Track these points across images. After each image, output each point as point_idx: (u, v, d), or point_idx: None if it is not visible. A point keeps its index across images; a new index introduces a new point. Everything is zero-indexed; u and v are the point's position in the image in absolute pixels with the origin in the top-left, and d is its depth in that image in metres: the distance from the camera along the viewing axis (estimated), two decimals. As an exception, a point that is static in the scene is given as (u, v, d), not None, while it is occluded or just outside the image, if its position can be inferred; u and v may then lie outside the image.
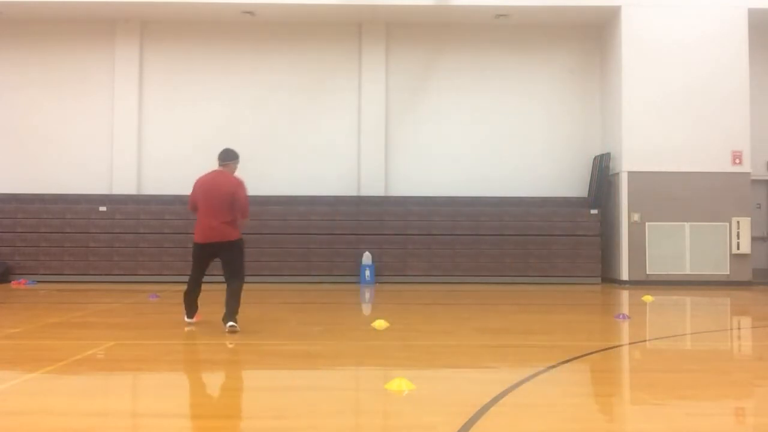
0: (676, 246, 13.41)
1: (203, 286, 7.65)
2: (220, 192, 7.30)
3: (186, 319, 7.76)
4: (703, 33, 13.47)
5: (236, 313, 7.27)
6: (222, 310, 7.24)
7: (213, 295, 11.07)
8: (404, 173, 14.52)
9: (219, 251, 7.38)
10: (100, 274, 13.47)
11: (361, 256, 13.50)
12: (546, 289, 12.62)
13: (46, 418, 4.14)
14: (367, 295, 11.54)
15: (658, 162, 13.38)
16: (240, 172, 15.06)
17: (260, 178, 14.28)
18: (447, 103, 14.63)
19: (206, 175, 7.54)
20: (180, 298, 7.86)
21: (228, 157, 7.59)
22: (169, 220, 13.64)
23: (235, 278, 7.34)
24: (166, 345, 6.87)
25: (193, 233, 7.55)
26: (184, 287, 7.71)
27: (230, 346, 6.64)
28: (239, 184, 7.44)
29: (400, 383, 4.74)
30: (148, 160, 14.34)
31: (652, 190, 13.37)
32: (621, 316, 8.76)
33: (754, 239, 13.67)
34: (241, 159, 7.81)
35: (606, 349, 6.57)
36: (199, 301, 7.77)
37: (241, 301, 7.35)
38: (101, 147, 14.40)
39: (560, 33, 14.65)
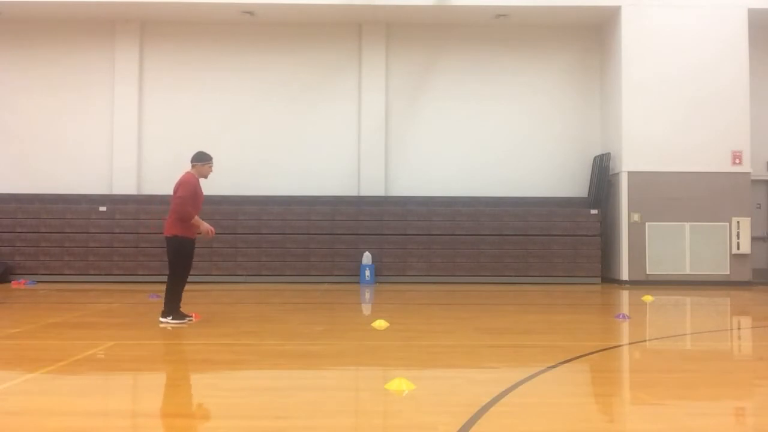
0: (676, 246, 13.41)
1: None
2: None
3: (184, 319, 7.80)
4: (703, 33, 13.48)
5: (165, 309, 7.65)
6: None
7: (212, 295, 11.08)
8: (404, 173, 14.54)
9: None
10: (100, 274, 13.47)
11: (361, 256, 13.51)
12: (546, 289, 12.62)
13: (46, 418, 4.13)
14: (367, 295, 11.54)
15: (658, 162, 13.39)
16: (241, 172, 15.09)
17: (260, 179, 14.34)
18: (447, 103, 14.64)
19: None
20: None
21: (192, 159, 8.09)
22: (169, 220, 13.64)
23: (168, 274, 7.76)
24: (165, 345, 6.88)
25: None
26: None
27: (230, 346, 6.63)
28: (179, 183, 7.82)
29: (400, 383, 4.74)
30: (148, 160, 14.35)
31: (652, 190, 13.38)
32: (621, 316, 8.76)
33: (754, 239, 13.68)
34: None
35: (606, 349, 6.57)
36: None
37: (178, 300, 7.69)
38: (101, 147, 14.41)
39: (560, 33, 14.66)
